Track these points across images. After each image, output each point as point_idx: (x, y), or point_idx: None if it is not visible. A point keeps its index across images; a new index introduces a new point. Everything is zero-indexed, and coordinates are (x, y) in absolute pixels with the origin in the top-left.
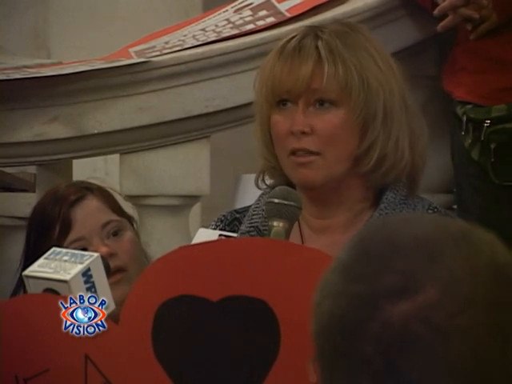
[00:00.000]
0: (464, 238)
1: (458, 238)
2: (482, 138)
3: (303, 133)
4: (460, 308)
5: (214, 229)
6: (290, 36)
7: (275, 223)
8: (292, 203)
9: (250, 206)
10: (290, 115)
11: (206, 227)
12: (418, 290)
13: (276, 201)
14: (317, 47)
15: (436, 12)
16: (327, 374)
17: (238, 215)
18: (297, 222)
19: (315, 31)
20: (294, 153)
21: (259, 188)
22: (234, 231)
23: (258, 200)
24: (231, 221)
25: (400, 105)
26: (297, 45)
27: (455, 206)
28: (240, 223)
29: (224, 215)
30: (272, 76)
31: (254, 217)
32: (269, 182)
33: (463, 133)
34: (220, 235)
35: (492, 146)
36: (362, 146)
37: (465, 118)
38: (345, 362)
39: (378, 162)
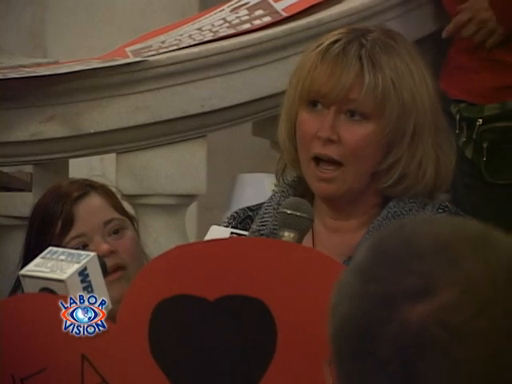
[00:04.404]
0: (482, 241)
1: (476, 241)
2: (475, 137)
3: (329, 140)
4: (478, 311)
5: (226, 226)
6: (335, 38)
7: (286, 234)
8: (304, 215)
9: (263, 203)
10: (319, 118)
11: (219, 224)
12: (435, 293)
13: (288, 212)
14: (360, 57)
15: (444, 35)
16: (344, 376)
17: (250, 213)
18: None
19: (359, 38)
20: (316, 161)
21: (285, 183)
22: (245, 229)
23: (271, 199)
24: (243, 218)
25: (430, 124)
26: (340, 51)
27: None
28: (252, 221)
29: (237, 212)
30: (311, 77)
31: (265, 216)
32: (289, 178)
33: (457, 131)
34: (232, 233)
35: (484, 144)
36: (384, 162)
37: (458, 117)
38: (362, 363)
39: (397, 180)
